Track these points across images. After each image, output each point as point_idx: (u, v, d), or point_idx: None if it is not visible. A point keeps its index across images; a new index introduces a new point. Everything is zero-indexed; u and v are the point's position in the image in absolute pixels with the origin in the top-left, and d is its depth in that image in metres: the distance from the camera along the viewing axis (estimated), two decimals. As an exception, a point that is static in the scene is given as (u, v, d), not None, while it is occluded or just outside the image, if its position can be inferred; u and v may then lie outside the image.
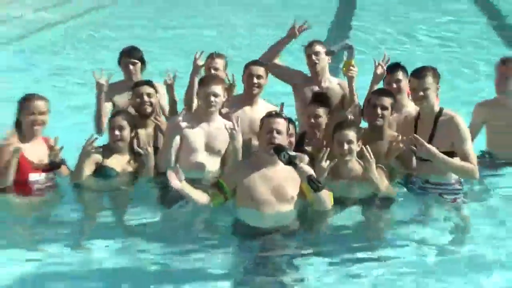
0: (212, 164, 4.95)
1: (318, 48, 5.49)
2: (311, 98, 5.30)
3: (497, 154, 5.46)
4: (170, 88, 5.43)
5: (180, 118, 4.89)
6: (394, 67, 5.39)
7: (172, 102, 5.46)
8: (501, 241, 4.37)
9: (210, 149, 4.94)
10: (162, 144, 5.07)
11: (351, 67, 5.25)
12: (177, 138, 4.87)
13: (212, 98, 4.83)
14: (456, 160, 4.64)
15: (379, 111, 4.88)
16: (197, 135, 4.90)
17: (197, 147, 4.90)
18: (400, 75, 5.31)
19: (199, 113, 4.98)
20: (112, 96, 5.49)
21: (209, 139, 4.92)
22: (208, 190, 4.49)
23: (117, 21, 14.44)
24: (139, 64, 5.63)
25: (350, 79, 5.28)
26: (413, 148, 4.62)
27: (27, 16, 14.55)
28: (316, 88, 5.50)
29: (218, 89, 4.84)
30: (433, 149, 4.55)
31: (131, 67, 5.58)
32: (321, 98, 5.23)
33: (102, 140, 5.28)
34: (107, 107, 5.44)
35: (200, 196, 4.43)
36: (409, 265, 4.11)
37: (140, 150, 5.01)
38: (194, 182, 4.69)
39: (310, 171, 4.17)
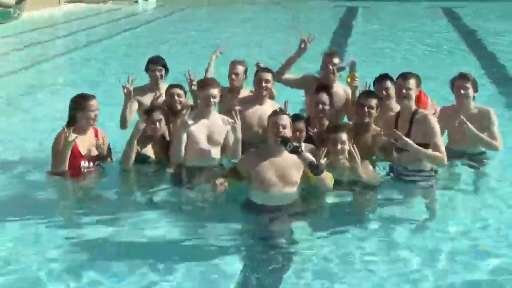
0: (214, 153, 5.45)
1: (336, 60, 6.01)
2: (316, 89, 5.77)
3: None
4: (191, 85, 5.96)
5: (186, 118, 5.26)
6: (382, 77, 5.88)
7: (194, 97, 5.99)
8: (463, 219, 4.96)
9: (211, 141, 5.42)
10: (173, 139, 5.48)
11: (355, 79, 5.83)
12: (184, 134, 5.33)
13: (211, 100, 5.32)
14: (428, 150, 5.09)
15: (366, 110, 5.42)
16: (200, 130, 5.37)
17: (200, 140, 5.38)
18: (388, 83, 5.78)
19: (200, 112, 5.46)
20: (138, 97, 5.97)
21: (210, 132, 5.41)
22: (224, 175, 4.94)
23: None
24: (163, 70, 6.19)
25: (354, 88, 5.84)
26: (393, 142, 5.11)
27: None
28: None
29: (215, 91, 5.35)
30: (409, 141, 5.04)
31: (157, 73, 6.14)
32: (325, 88, 5.73)
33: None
34: (134, 107, 5.91)
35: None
36: (388, 237, 4.66)
37: None
38: (200, 169, 5.43)
39: (311, 157, 4.61)
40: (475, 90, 5.81)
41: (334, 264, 4.30)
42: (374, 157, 5.40)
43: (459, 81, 5.79)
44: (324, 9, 21.27)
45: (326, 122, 5.66)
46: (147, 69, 6.25)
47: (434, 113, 5.75)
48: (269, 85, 5.86)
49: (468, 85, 5.75)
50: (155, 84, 6.18)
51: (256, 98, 5.93)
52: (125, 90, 5.77)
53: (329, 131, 5.17)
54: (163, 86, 6.16)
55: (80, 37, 15.64)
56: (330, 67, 5.99)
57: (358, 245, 4.55)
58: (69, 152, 5.22)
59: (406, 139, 5.09)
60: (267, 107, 5.67)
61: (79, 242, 4.62)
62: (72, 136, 5.16)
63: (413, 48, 13.58)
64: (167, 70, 6.28)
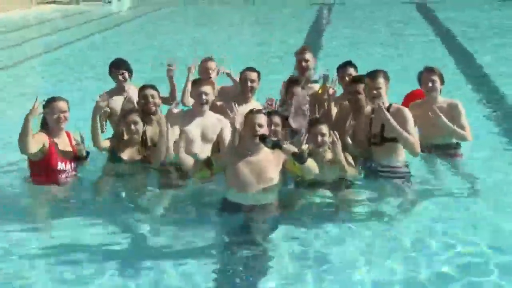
0: (206, 152, 5.45)
1: (308, 56, 6.21)
2: (287, 82, 5.87)
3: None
4: (170, 77, 6.04)
5: (172, 108, 5.28)
6: (345, 64, 5.97)
7: (172, 90, 6.08)
8: (436, 214, 5.06)
9: (204, 138, 5.48)
10: (160, 135, 5.28)
11: (327, 90, 5.77)
12: (176, 127, 5.27)
13: (203, 97, 5.42)
14: (404, 132, 5.13)
15: (355, 97, 5.42)
16: (193, 128, 5.42)
17: (194, 138, 5.42)
18: (351, 70, 5.91)
19: (194, 109, 5.54)
20: (108, 102, 5.77)
21: (204, 130, 5.47)
22: (198, 164, 5.03)
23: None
24: (126, 73, 6.15)
25: (325, 100, 5.79)
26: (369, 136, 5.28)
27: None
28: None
29: (208, 89, 5.47)
30: (387, 113, 5.13)
31: (120, 77, 6.14)
32: (295, 82, 5.81)
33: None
34: (104, 115, 5.83)
35: (191, 166, 5.04)
36: (365, 234, 4.69)
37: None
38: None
39: (294, 149, 4.71)
40: (442, 82, 5.88)
41: (311, 262, 4.33)
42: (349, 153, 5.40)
43: (426, 74, 5.86)
44: (301, 5, 21.34)
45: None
46: (110, 73, 6.25)
47: None
48: (254, 84, 5.93)
49: (435, 77, 5.83)
50: (122, 88, 6.17)
51: (242, 97, 5.93)
52: (99, 103, 5.55)
53: (310, 124, 5.21)
54: (131, 87, 6.14)
55: (53, 38, 15.42)
56: (303, 63, 6.15)
57: (336, 243, 4.58)
58: (30, 129, 5.02)
59: (384, 110, 5.15)
60: (252, 107, 5.64)
61: (59, 246, 4.59)
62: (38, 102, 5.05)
63: (390, 43, 13.78)
64: (130, 72, 6.26)
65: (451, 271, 4.18)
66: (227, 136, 5.42)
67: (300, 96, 5.61)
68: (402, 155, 5.39)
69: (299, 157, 4.65)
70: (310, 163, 4.77)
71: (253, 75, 5.92)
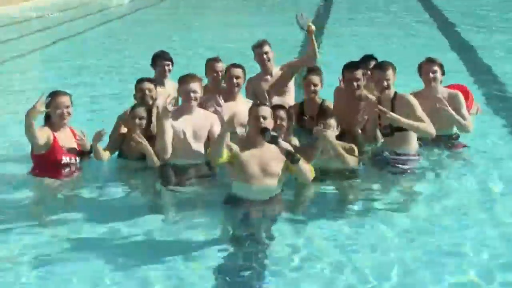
0: (200, 149, 5.37)
1: (267, 48, 6.31)
2: (307, 71, 5.99)
3: None
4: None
5: (166, 104, 5.07)
6: (367, 58, 5.99)
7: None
8: (442, 204, 5.04)
9: (196, 136, 5.33)
10: (157, 133, 5.33)
11: (310, 25, 6.17)
12: (168, 124, 5.17)
13: (192, 95, 5.26)
14: (415, 122, 5.25)
15: (356, 84, 5.62)
16: (184, 127, 5.28)
17: (186, 137, 5.29)
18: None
19: (183, 108, 5.40)
20: None
21: (194, 128, 5.31)
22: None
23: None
24: (171, 65, 6.24)
25: (311, 33, 6.18)
26: (379, 127, 5.37)
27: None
28: (269, 78, 6.32)
29: (196, 86, 5.28)
30: (394, 115, 5.23)
31: (166, 68, 6.21)
32: (315, 69, 5.95)
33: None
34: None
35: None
36: (375, 226, 4.67)
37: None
38: (188, 167, 5.35)
39: (288, 147, 4.71)
40: (443, 73, 5.89)
41: (315, 256, 4.30)
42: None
43: (427, 65, 5.86)
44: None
45: (319, 101, 5.95)
46: (154, 64, 6.25)
47: (477, 111, 5.97)
48: (240, 81, 5.88)
49: (436, 68, 5.83)
50: (163, 79, 6.18)
51: (228, 95, 5.82)
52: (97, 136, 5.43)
53: (318, 119, 5.29)
54: (169, 82, 6.15)
55: (53, 32, 15.30)
56: (264, 56, 6.28)
57: (340, 236, 4.56)
58: (32, 126, 5.09)
59: (391, 113, 5.23)
60: (240, 103, 5.68)
61: (61, 241, 4.57)
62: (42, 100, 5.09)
63: (390, 33, 13.70)
64: (172, 64, 6.29)
65: (458, 261, 4.18)
66: (217, 132, 5.24)
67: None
68: (413, 144, 5.46)
69: (291, 156, 4.64)
70: (306, 168, 4.75)
71: (238, 71, 5.86)
